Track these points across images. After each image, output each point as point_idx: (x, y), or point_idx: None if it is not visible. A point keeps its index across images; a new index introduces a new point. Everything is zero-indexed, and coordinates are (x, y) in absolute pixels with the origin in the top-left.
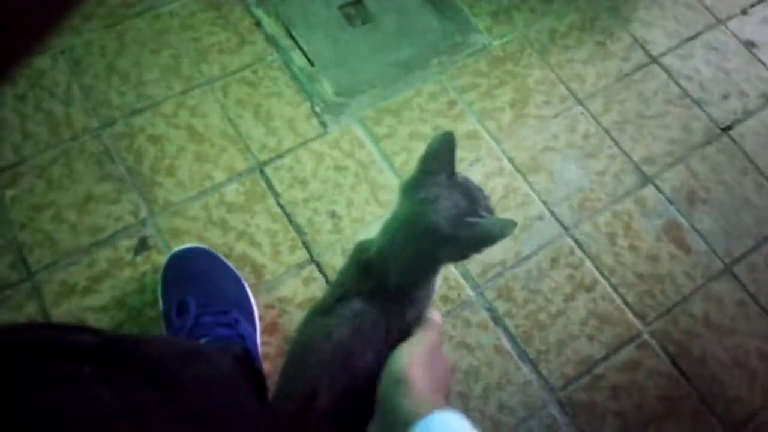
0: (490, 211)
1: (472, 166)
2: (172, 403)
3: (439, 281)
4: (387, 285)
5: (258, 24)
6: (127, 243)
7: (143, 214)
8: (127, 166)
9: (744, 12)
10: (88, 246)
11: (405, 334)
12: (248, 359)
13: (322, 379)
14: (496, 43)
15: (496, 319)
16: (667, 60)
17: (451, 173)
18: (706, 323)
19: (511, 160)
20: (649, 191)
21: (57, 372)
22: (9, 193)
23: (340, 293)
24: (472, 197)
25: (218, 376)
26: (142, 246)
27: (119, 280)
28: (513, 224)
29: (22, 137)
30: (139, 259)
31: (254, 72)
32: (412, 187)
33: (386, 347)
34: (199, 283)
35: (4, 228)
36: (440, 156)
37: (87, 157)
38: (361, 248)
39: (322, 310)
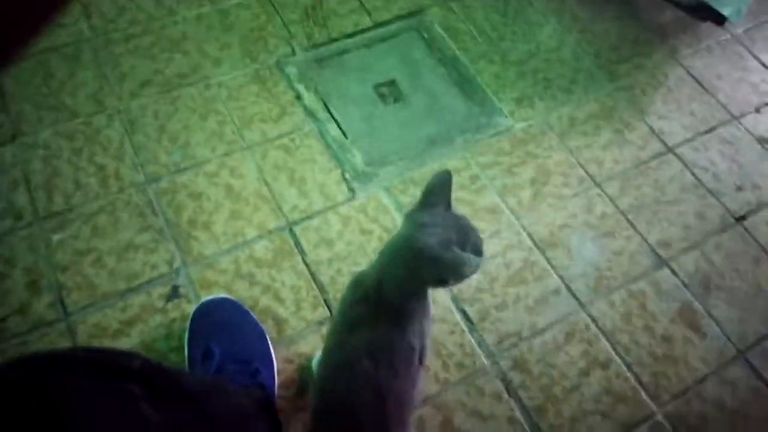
0: (478, 250)
1: (492, 238)
2: (206, 429)
3: (431, 304)
4: (384, 303)
5: (298, 97)
6: (160, 290)
7: (177, 264)
8: (167, 218)
9: (757, 110)
10: (124, 291)
11: (411, 351)
12: (268, 404)
13: (361, 416)
14: (519, 126)
15: (510, 390)
16: (682, 150)
17: (448, 207)
18: (719, 407)
19: (530, 234)
20: (664, 274)
21: (113, 388)
22: (56, 237)
23: (347, 324)
24: (464, 232)
25: (242, 410)
26: (174, 294)
27: (149, 325)
28: (478, 265)
29: (74, 187)
30: (169, 306)
31: (292, 140)
32: (412, 214)
33: (402, 366)
34: (225, 332)
35: (48, 269)
36: (438, 191)
37: (131, 209)
38: (358, 277)
39: (335, 342)
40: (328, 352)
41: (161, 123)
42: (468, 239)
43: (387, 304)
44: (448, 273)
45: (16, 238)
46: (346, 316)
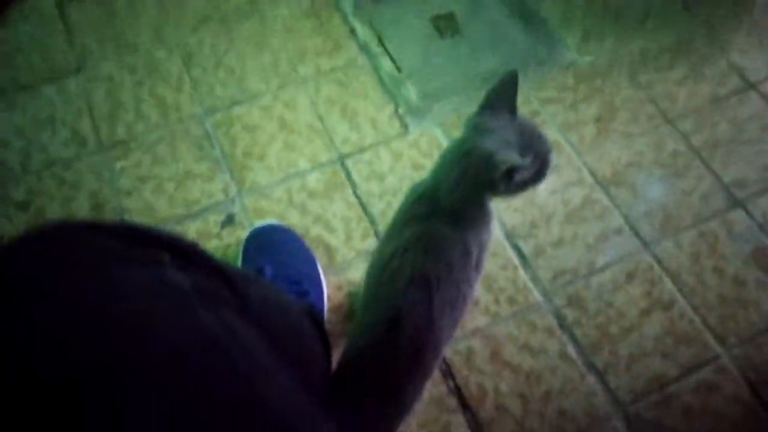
0: (545, 158)
1: (550, 174)
2: (242, 305)
3: (494, 216)
4: (440, 207)
5: (353, 31)
6: (215, 217)
7: (232, 193)
8: (223, 149)
9: None
10: (182, 217)
11: (466, 253)
12: (316, 316)
13: (402, 306)
14: (585, 60)
15: (564, 326)
16: (764, 87)
17: (513, 111)
18: None
19: (591, 172)
20: (738, 215)
21: (142, 254)
22: (119, 164)
23: (400, 224)
24: (527, 137)
25: (287, 309)
26: (229, 221)
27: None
28: (540, 174)
29: (135, 117)
30: (224, 232)
31: (345, 74)
32: (472, 117)
33: (457, 264)
34: (276, 254)
35: (111, 194)
36: (502, 93)
37: (189, 139)
38: (415, 184)
39: (385, 240)
40: (376, 251)
41: (218, 57)
42: (532, 145)
43: (443, 208)
44: (501, 177)
45: (82, 164)
46: (399, 216)
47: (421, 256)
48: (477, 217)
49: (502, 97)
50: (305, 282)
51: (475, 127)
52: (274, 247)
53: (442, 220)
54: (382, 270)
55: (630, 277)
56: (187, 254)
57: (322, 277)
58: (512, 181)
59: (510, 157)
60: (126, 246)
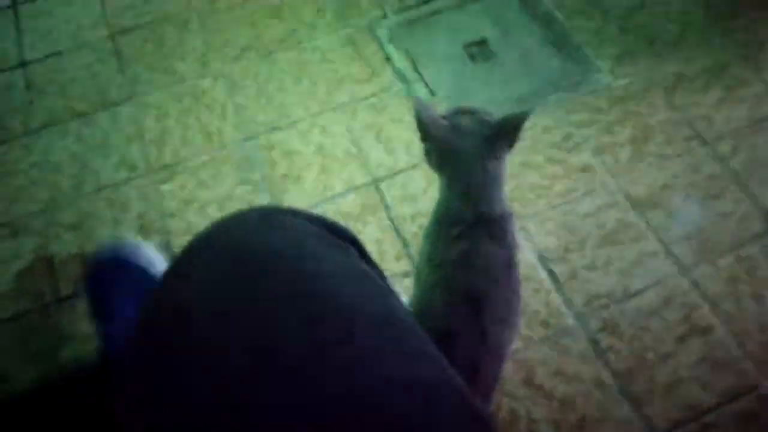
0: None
1: (585, 197)
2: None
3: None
4: (471, 215)
5: (388, 59)
6: None
7: None
8: (263, 173)
9: None
10: None
11: (508, 260)
12: None
13: (457, 323)
14: (619, 83)
15: (598, 352)
16: None
17: (443, 117)
18: None
19: (626, 195)
20: None
21: (337, 243)
22: (165, 187)
23: (440, 245)
24: (470, 113)
25: None
26: None
27: None
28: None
29: (181, 143)
30: None
31: (380, 100)
32: (430, 150)
33: (502, 275)
34: None
35: (157, 215)
36: (424, 121)
37: (231, 163)
38: (438, 204)
39: (423, 272)
40: (417, 281)
41: (259, 85)
42: (478, 114)
43: (479, 221)
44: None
45: (130, 187)
46: (435, 242)
47: (466, 274)
48: (504, 220)
49: (426, 122)
50: None
51: (444, 134)
52: None
53: (483, 233)
54: (429, 300)
55: (666, 302)
56: (363, 251)
57: None
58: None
59: (514, 114)
60: (326, 232)
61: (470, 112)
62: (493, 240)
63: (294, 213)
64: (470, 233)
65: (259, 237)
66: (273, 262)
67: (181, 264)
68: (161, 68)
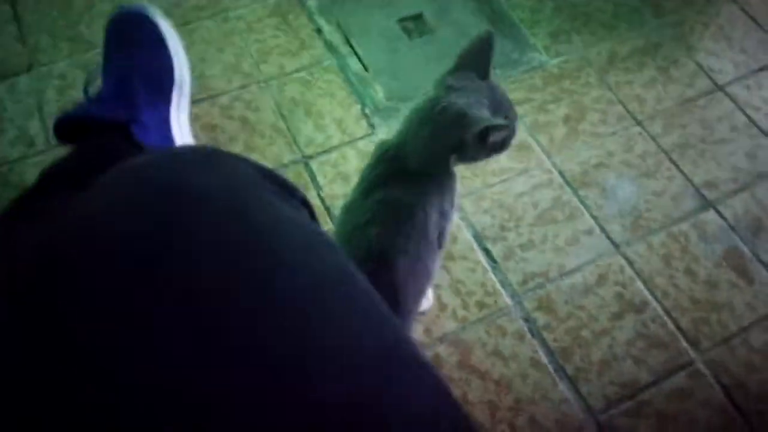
0: (512, 125)
1: (520, 176)
2: None
3: (458, 184)
4: (407, 167)
5: (319, 31)
6: None
7: None
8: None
9: None
10: None
11: (428, 224)
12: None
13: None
14: (554, 61)
15: (534, 331)
16: (733, 89)
17: (485, 74)
18: (767, 358)
19: (561, 173)
20: (709, 216)
21: (292, 202)
22: None
23: (364, 187)
24: (497, 100)
25: None
26: None
27: None
28: (507, 136)
29: None
30: None
31: (310, 74)
32: (442, 78)
33: (420, 238)
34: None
35: None
36: (476, 54)
37: None
38: (381, 142)
39: (347, 208)
40: (336, 225)
41: None
42: (502, 109)
43: (407, 168)
44: (475, 137)
45: (28, 165)
46: (362, 179)
47: (380, 229)
48: (443, 182)
49: (474, 58)
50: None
51: (447, 87)
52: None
53: (405, 185)
54: (343, 245)
55: (601, 279)
56: (313, 215)
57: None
58: (485, 143)
59: (485, 116)
60: (276, 186)
61: (495, 103)
62: (417, 193)
63: (238, 157)
64: (394, 178)
65: (197, 177)
66: (211, 204)
67: (94, 199)
68: (66, 36)
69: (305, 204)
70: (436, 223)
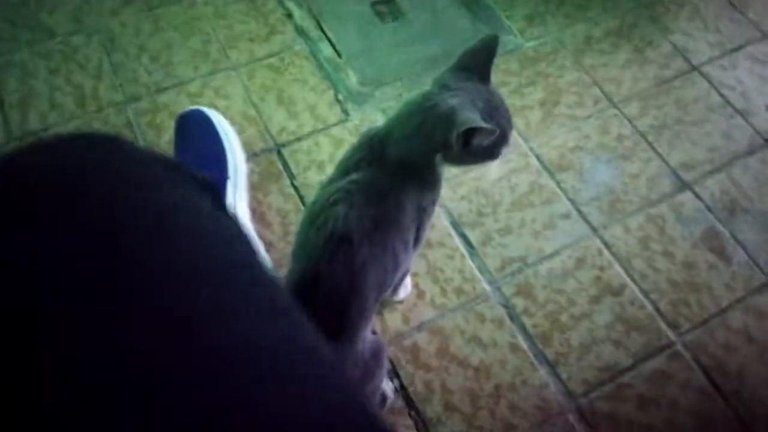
0: (505, 133)
1: (495, 161)
2: None
3: (440, 185)
4: (389, 156)
5: (289, 16)
6: None
7: None
8: (146, 139)
9: None
10: None
11: (403, 215)
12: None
13: (322, 261)
14: (529, 44)
15: (513, 317)
16: (708, 69)
17: (485, 77)
18: (745, 338)
19: (538, 157)
20: (686, 197)
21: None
22: None
23: (342, 168)
24: (493, 105)
25: None
26: None
27: None
28: (500, 142)
29: (49, 107)
30: None
31: (281, 59)
32: (439, 76)
33: (393, 231)
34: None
35: None
36: (479, 55)
37: (109, 129)
38: (369, 128)
39: (324, 186)
40: (309, 203)
41: (142, 42)
42: (496, 116)
43: (389, 157)
44: (459, 137)
45: None
46: (344, 160)
47: (348, 209)
48: (424, 177)
49: (476, 60)
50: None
51: (443, 86)
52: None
53: (384, 171)
54: (311, 221)
55: (579, 263)
56: (219, 200)
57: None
58: (469, 145)
59: (472, 117)
60: (176, 170)
61: (491, 108)
62: (395, 182)
63: (133, 144)
64: (376, 164)
65: (87, 161)
66: (99, 188)
67: None
68: (27, 24)
69: (209, 188)
70: (412, 217)
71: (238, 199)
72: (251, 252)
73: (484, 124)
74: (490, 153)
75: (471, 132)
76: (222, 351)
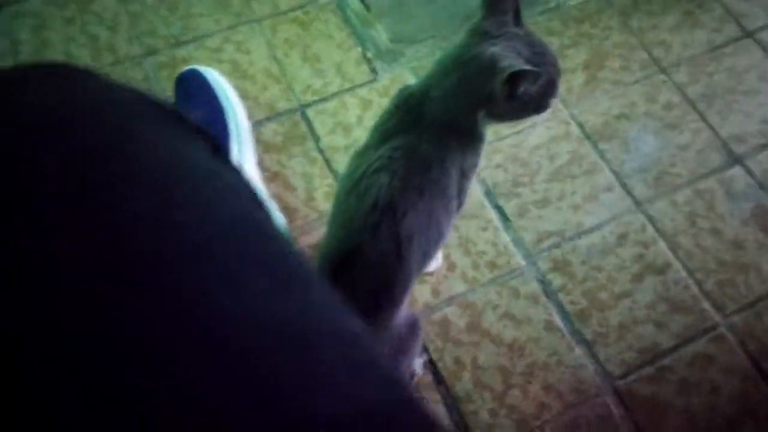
0: (553, 79)
1: (535, 128)
2: None
3: (485, 142)
4: (429, 118)
5: None
6: None
7: None
8: (165, 95)
9: None
10: None
11: (447, 183)
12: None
13: (365, 232)
14: (573, 2)
15: (549, 293)
16: (763, 36)
17: (517, 18)
18: None
19: (580, 125)
20: (736, 172)
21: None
22: None
23: (380, 133)
24: (538, 49)
25: None
26: None
27: None
28: (549, 92)
29: (64, 58)
30: None
31: (306, 13)
32: (472, 25)
33: (433, 188)
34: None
35: None
36: None
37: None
38: (404, 87)
39: (360, 153)
40: (348, 165)
41: None
42: (540, 61)
43: (429, 119)
44: (503, 84)
45: None
46: (379, 123)
47: (391, 178)
48: (466, 136)
49: (507, 3)
50: None
51: (483, 33)
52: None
53: (425, 135)
54: (350, 190)
55: (621, 239)
56: (218, 149)
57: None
58: (515, 95)
59: (515, 62)
60: (159, 110)
61: (537, 53)
62: (436, 146)
63: (107, 78)
64: (414, 127)
65: (48, 96)
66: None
67: None
68: None
69: (205, 136)
70: (456, 181)
71: (243, 158)
72: (258, 207)
73: (529, 67)
74: (537, 104)
75: (516, 78)
76: (222, 326)
